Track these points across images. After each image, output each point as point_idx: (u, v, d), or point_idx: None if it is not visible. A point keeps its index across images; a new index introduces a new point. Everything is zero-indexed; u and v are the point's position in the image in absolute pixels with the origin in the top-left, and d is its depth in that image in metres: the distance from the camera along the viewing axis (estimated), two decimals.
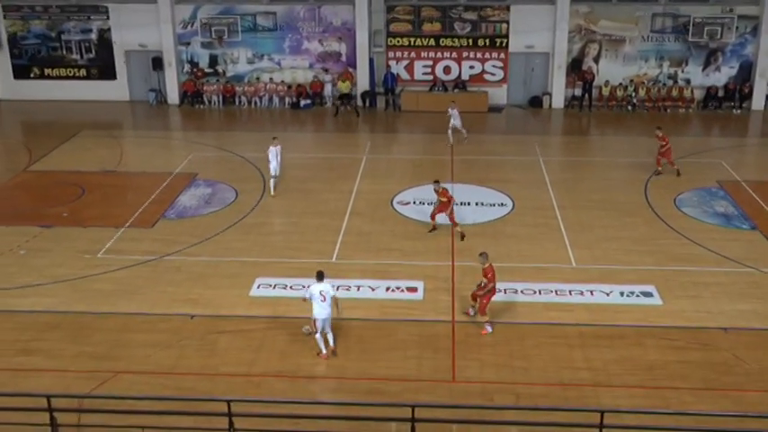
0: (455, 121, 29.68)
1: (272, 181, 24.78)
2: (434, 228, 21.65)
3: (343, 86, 35.33)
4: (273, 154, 24.62)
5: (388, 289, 18.42)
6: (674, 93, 35.49)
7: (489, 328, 16.68)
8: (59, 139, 30.99)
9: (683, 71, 35.66)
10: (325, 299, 15.45)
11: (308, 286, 15.82)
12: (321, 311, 15.45)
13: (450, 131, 29.70)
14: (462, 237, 21.11)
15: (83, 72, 37.50)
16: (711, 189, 25.00)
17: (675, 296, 18.04)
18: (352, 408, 12.85)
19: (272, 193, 24.61)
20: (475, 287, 17.02)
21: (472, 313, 17.11)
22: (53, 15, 36.83)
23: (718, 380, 14.90)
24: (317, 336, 15.59)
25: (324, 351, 15.65)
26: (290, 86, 36.56)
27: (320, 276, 15.74)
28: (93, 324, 16.91)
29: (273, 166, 24.64)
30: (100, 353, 15.78)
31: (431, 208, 23.03)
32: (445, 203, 21.23)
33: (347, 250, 20.62)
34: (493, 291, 16.69)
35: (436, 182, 21.75)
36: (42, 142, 30.65)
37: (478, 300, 16.78)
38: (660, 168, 26.35)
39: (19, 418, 11.85)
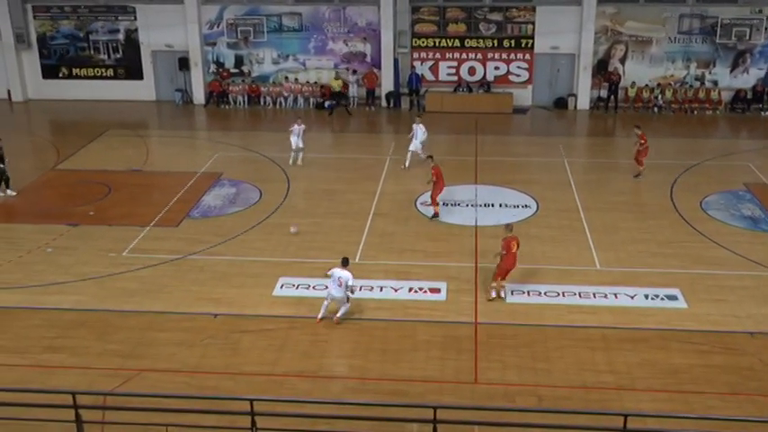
0: (416, 140, 26.81)
1: (292, 154, 27.50)
2: (436, 215, 22.53)
3: (335, 84, 35.49)
4: (296, 132, 27.48)
5: (410, 290, 18.41)
6: (701, 95, 35.20)
7: (493, 294, 17.84)
8: (87, 139, 31.29)
9: (710, 73, 35.35)
10: (341, 285, 16.52)
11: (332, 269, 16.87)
12: (335, 293, 16.72)
13: (410, 152, 26.86)
14: (435, 216, 22.59)
15: (110, 72, 37.86)
16: (738, 192, 24.76)
17: (700, 299, 17.89)
18: (374, 408, 12.84)
19: (300, 162, 27.46)
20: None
21: (504, 292, 18.08)
22: (81, 16, 37.21)
23: (744, 385, 14.74)
24: (324, 303, 16.92)
25: (319, 316, 16.88)
26: (315, 83, 36.56)
27: (345, 263, 16.80)
28: (118, 322, 17.05)
29: (294, 140, 27.42)
30: (124, 351, 15.91)
31: (455, 209, 23.12)
32: (436, 183, 22.45)
33: (370, 251, 20.65)
34: (505, 260, 17.66)
35: (430, 157, 23.18)
36: (70, 141, 30.98)
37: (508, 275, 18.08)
38: (640, 170, 26.12)
39: (45, 414, 11.96)
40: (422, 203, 23.82)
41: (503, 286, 18.01)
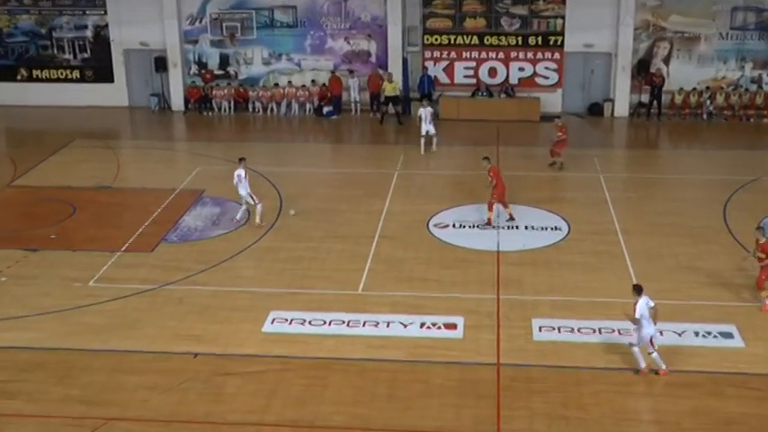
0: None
1: (423, 140, 31.05)
2: (489, 222, 23.77)
3: (390, 88, 35.20)
4: (424, 117, 30.55)
5: (422, 325, 18.34)
6: (759, 100, 35.17)
7: None
8: (48, 150, 31.41)
9: None
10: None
11: None
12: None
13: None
14: (510, 217, 23.96)
15: (76, 74, 38.08)
16: None
17: (760, 338, 17.77)
18: None
19: (434, 148, 31.13)
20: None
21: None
22: (43, 10, 37.49)
23: None
24: (635, 348, 16.42)
25: (642, 365, 16.37)
26: (322, 85, 36.71)
27: (639, 290, 16.33)
28: (83, 363, 17.01)
29: (424, 126, 30.67)
30: (90, 396, 15.86)
31: (474, 232, 23.17)
32: (495, 187, 23.67)
33: (376, 280, 20.62)
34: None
35: (485, 158, 24.46)
36: (29, 153, 31.11)
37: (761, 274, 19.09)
38: (555, 160, 28.79)
39: None
40: (435, 225, 23.79)
41: None
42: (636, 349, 16.29)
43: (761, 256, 18.92)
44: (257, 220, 23.66)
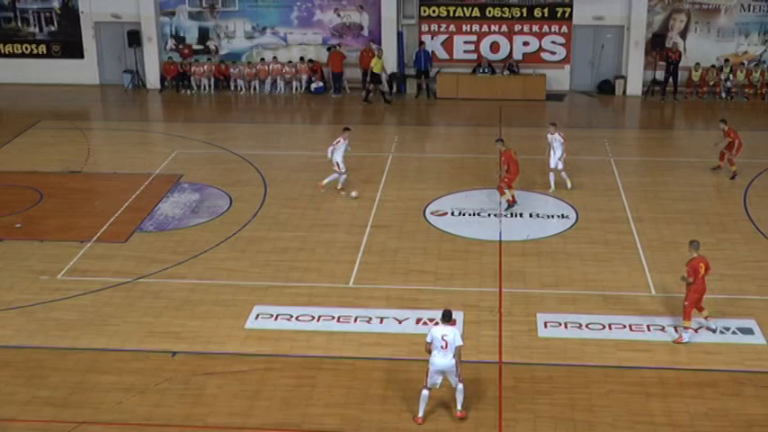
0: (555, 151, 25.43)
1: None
2: (511, 202, 23.67)
3: (378, 66, 34.97)
4: None
5: (418, 321, 18.38)
6: None
7: (686, 337, 17.48)
8: (12, 132, 31.34)
9: None
10: (447, 347, 14.73)
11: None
12: (441, 362, 14.81)
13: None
14: (509, 204, 23.82)
15: (42, 49, 37.92)
16: None
17: None
18: None
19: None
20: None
21: (713, 327, 17.81)
22: None
23: None
24: (424, 392, 15.06)
25: (420, 414, 15.13)
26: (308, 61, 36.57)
27: (447, 317, 15.05)
28: (52, 362, 17.02)
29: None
30: (59, 398, 15.88)
31: (474, 220, 23.14)
32: (508, 171, 23.60)
33: (368, 272, 20.67)
34: (697, 290, 17.36)
35: (499, 140, 24.48)
36: None
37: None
38: (722, 164, 26.66)
39: None
40: (432, 213, 23.83)
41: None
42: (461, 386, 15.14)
43: (688, 279, 17.39)
44: (339, 187, 25.19)
